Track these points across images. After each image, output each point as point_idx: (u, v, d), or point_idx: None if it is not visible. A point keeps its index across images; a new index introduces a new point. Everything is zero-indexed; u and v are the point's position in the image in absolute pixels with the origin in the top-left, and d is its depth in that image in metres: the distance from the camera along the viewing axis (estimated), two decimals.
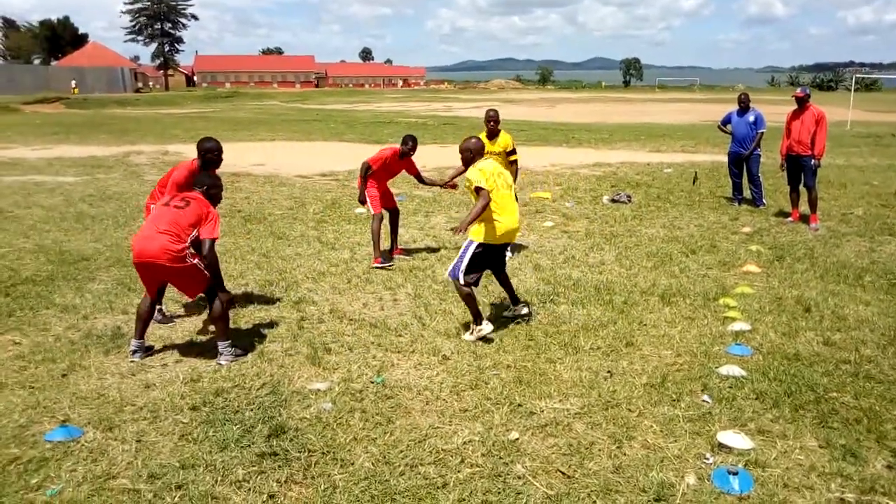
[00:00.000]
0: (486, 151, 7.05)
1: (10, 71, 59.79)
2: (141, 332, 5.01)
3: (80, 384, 4.50)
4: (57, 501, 3.22)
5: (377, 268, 7.25)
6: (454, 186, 7.88)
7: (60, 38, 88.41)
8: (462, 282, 5.27)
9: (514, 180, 7.05)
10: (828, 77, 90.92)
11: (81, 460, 3.58)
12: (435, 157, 16.11)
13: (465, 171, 7.40)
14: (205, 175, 5.20)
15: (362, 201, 7.59)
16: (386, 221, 7.76)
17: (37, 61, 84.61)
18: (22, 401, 4.24)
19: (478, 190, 5.20)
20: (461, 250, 5.35)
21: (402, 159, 7.65)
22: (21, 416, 4.03)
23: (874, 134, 23.49)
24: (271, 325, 5.63)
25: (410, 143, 7.58)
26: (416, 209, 10.47)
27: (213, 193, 5.11)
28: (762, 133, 10.29)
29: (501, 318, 5.74)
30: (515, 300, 5.81)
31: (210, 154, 5.54)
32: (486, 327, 5.28)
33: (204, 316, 5.80)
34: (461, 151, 5.56)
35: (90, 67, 63.99)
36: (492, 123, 7.56)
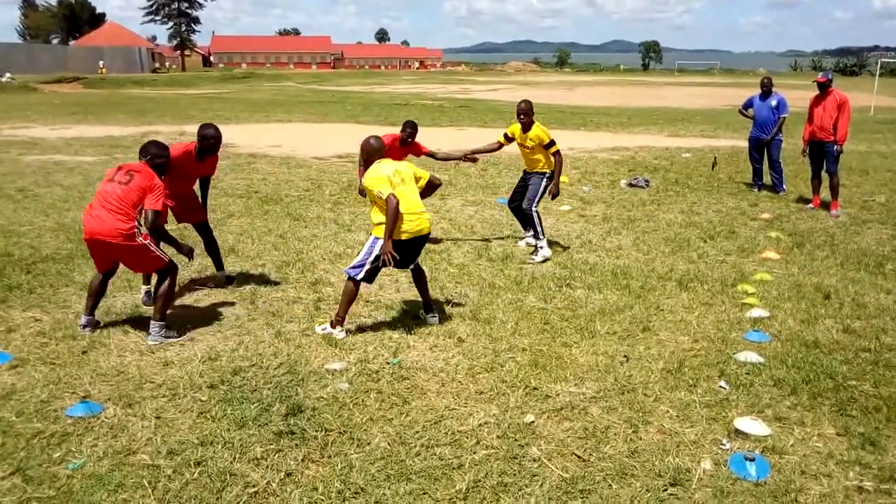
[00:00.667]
0: (519, 146, 7.18)
1: (29, 50, 60.04)
2: (91, 309, 5.05)
3: (100, 361, 4.55)
4: (79, 475, 3.28)
5: None
6: (475, 160, 7.72)
7: (79, 17, 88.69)
8: (359, 278, 4.99)
9: (559, 172, 7.10)
10: (851, 62, 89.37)
11: (102, 436, 3.63)
12: (452, 140, 16.05)
13: (492, 149, 7.57)
14: (150, 143, 5.13)
15: (363, 191, 7.00)
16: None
17: (55, 41, 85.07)
18: (43, 377, 4.30)
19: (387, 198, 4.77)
20: (365, 248, 5.03)
21: (403, 146, 7.32)
22: (43, 392, 4.09)
23: None
24: (288, 305, 5.66)
25: (409, 129, 7.28)
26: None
27: (159, 164, 5.03)
28: (784, 118, 10.14)
29: (517, 301, 5.73)
30: (428, 306, 5.34)
31: (206, 141, 5.60)
32: (340, 334, 4.99)
33: (214, 296, 5.85)
34: (362, 151, 5.27)
35: (108, 47, 64.16)
36: (522, 116, 7.06)
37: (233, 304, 5.70)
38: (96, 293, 5.08)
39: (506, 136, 7.34)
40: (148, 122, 20.31)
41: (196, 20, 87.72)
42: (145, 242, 4.81)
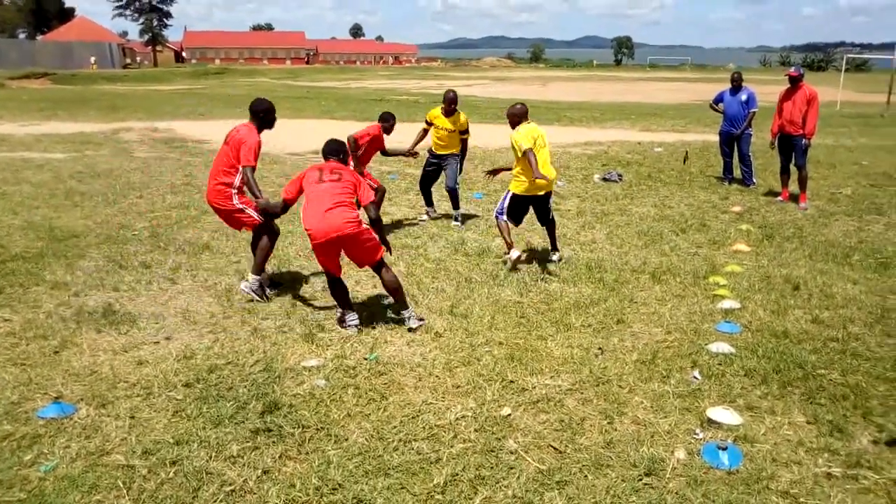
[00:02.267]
0: (443, 129, 8.15)
1: None
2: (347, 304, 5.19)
3: (72, 361, 4.49)
4: (51, 477, 3.24)
5: None
6: (415, 155, 8.40)
7: (46, 12, 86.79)
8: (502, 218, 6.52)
9: (464, 156, 8.40)
10: (819, 57, 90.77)
11: (75, 437, 3.59)
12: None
13: (422, 137, 8.44)
14: (332, 141, 5.42)
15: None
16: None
17: (22, 35, 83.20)
18: (14, 378, 4.23)
19: (525, 152, 6.14)
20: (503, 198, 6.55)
21: (387, 135, 7.86)
22: (13, 393, 4.02)
23: (863, 114, 23.56)
24: (264, 302, 5.62)
25: (392, 121, 7.84)
26: (407, 187, 10.44)
27: (344, 159, 5.40)
28: (754, 112, 10.29)
29: (493, 295, 5.76)
30: (554, 246, 6.82)
31: (269, 115, 5.97)
32: (514, 253, 6.38)
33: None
34: (509, 116, 6.57)
35: (77, 42, 62.98)
36: (451, 105, 8.09)
37: (208, 301, 5.65)
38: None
39: (427, 122, 8.30)
40: (120, 119, 19.98)
41: (168, 15, 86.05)
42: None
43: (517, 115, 6.49)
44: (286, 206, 5.32)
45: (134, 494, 3.12)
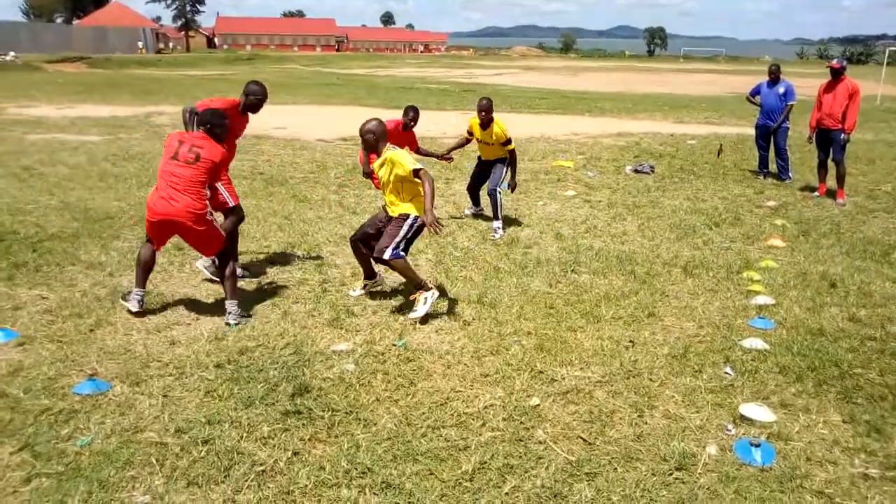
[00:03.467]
0: (482, 141, 7.59)
1: (33, 29, 59.80)
2: (143, 281, 5.04)
3: (106, 339, 4.57)
4: (87, 452, 3.29)
5: None
6: (450, 159, 7.96)
7: None
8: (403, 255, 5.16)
9: (515, 170, 7.66)
10: (858, 50, 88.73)
11: (109, 413, 3.65)
12: (457, 125, 15.97)
13: (462, 144, 7.91)
14: (207, 112, 4.99)
15: (368, 175, 6.78)
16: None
17: (59, 20, 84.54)
18: (51, 354, 4.31)
19: (416, 172, 4.99)
20: (402, 228, 5.13)
21: (404, 131, 7.13)
22: (50, 369, 4.10)
23: None
24: (294, 286, 5.66)
25: (412, 114, 7.18)
26: (436, 176, 10.40)
27: (218, 133, 4.96)
28: (792, 105, 10.07)
29: (522, 285, 5.73)
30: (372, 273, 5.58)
31: (253, 97, 5.65)
32: (433, 294, 5.08)
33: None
34: (362, 134, 5.28)
35: (112, 27, 63.86)
36: (483, 114, 7.30)
37: (240, 283, 5.68)
38: (146, 265, 5.02)
39: (468, 132, 7.76)
40: (153, 103, 20.24)
41: (201, 1, 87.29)
42: (212, 220, 4.91)
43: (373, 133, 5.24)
44: None
45: (167, 471, 3.16)
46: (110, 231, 7.06)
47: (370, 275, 5.56)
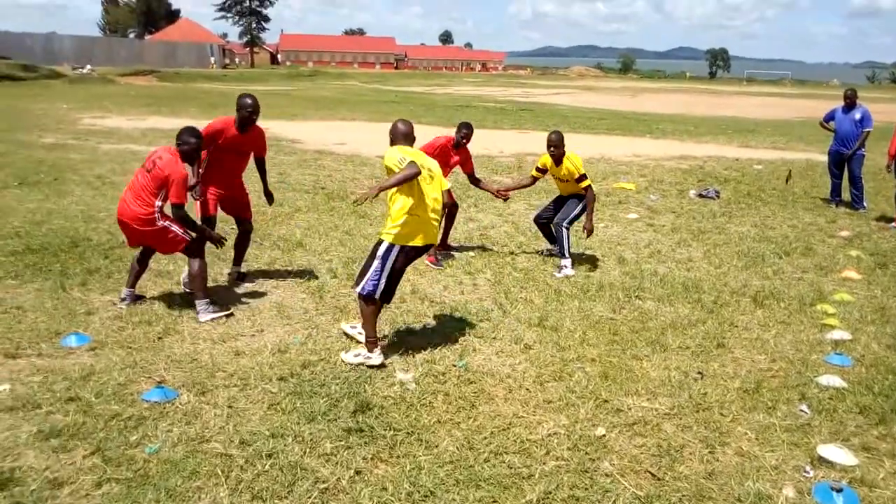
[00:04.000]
0: (555, 177, 6.93)
1: (108, 44, 62.57)
2: (132, 283, 5.42)
3: (174, 347, 4.66)
4: (155, 460, 3.34)
5: (431, 266, 6.70)
6: (507, 197, 7.37)
7: (155, 13, 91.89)
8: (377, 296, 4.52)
9: (591, 210, 6.77)
10: None
11: (176, 422, 3.70)
12: (514, 143, 15.94)
13: (526, 184, 7.48)
14: (183, 129, 5.26)
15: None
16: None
17: (131, 35, 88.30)
18: (121, 360, 4.42)
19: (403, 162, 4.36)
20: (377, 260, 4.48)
21: (455, 149, 6.89)
22: (120, 375, 4.20)
23: None
24: (355, 301, 5.65)
25: (465, 131, 6.84)
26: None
27: (185, 150, 5.17)
28: (868, 132, 9.70)
29: (584, 310, 5.62)
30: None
31: (243, 110, 5.62)
32: (378, 358, 4.46)
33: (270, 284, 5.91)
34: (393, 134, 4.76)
35: (182, 42, 66.31)
36: (552, 149, 6.68)
37: (301, 297, 5.76)
38: (136, 270, 5.40)
39: (538, 168, 7.09)
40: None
41: (266, 18, 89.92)
42: (164, 224, 5.10)
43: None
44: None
45: (231, 483, 3.18)
46: None
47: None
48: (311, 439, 3.55)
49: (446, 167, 6.75)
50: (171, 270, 6.23)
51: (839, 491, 3.23)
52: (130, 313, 5.20)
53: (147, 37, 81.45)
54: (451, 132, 7.06)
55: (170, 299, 5.54)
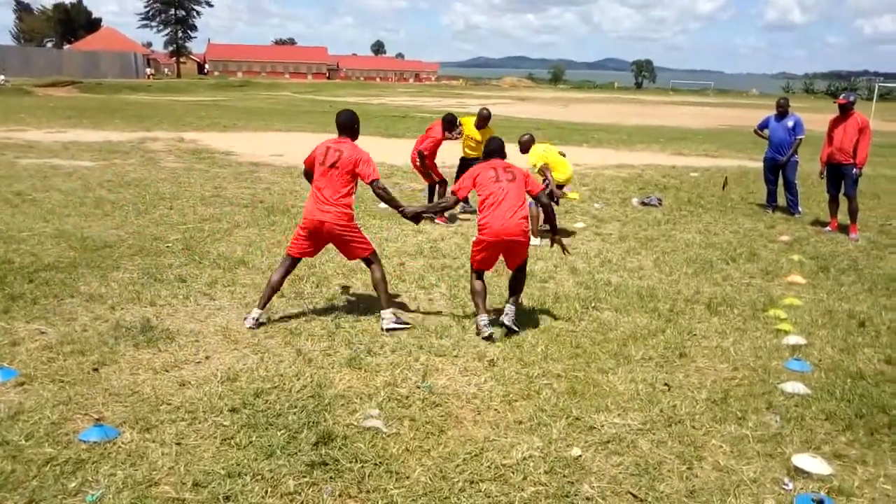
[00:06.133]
0: (472, 138, 9.44)
1: (23, 53, 59.64)
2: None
3: (112, 379, 4.28)
4: None
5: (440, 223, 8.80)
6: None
7: (74, 21, 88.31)
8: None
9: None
10: (843, 85, 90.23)
11: (120, 463, 3.36)
12: (455, 154, 15.82)
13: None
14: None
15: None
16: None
17: (49, 44, 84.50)
18: (53, 395, 4.02)
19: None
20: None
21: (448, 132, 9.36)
22: (53, 413, 3.81)
23: None
24: (306, 322, 5.40)
25: (453, 119, 9.49)
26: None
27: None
28: (801, 139, 10.02)
29: (544, 322, 5.51)
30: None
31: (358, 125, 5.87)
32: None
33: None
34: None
35: (103, 52, 63.82)
36: (484, 122, 9.49)
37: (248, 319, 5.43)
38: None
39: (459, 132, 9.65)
40: (146, 128, 20.02)
41: (192, 27, 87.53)
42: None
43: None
44: (457, 200, 5.71)
45: None
46: (110, 261, 6.78)
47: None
48: (272, 477, 3.28)
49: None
50: (104, 294, 5.80)
51: (820, 502, 3.18)
52: (61, 342, 4.77)
53: (66, 46, 78.12)
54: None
55: (104, 325, 5.13)
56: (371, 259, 5.42)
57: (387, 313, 5.31)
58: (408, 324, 5.36)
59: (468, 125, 9.55)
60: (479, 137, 9.23)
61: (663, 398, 4.27)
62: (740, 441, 3.80)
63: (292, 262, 5.45)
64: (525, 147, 8.55)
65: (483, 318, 5.17)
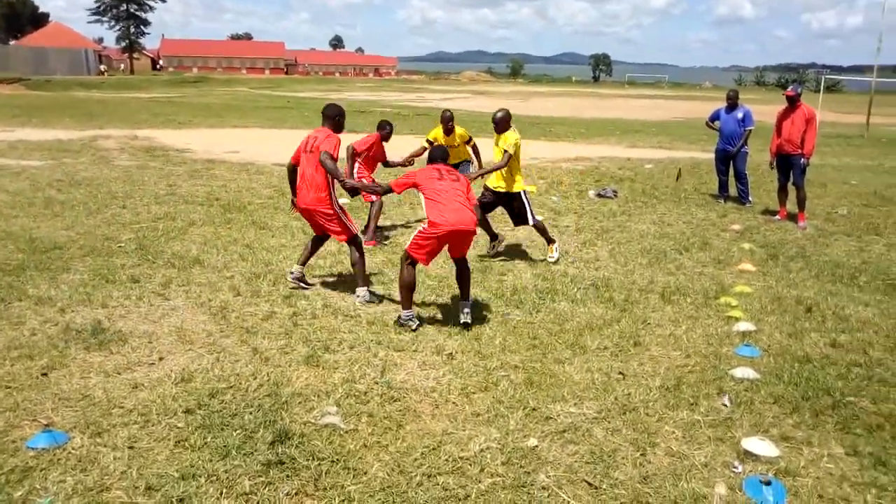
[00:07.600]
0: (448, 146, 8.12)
1: None
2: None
3: (61, 384, 4.18)
4: None
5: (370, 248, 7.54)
6: (411, 163, 8.32)
7: (20, 16, 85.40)
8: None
9: (478, 157, 8.77)
10: (792, 78, 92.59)
11: (70, 469, 3.29)
12: (413, 148, 15.78)
13: (419, 154, 8.52)
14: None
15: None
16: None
17: None
18: None
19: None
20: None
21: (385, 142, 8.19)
22: None
23: (843, 134, 23.86)
24: (263, 320, 5.35)
25: (389, 128, 8.10)
26: (400, 200, 10.21)
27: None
28: (750, 130, 10.27)
29: (502, 315, 5.56)
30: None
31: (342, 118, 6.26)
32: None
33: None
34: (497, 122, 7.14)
35: (52, 48, 61.85)
36: (449, 124, 8.40)
37: (203, 319, 5.36)
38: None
39: (428, 141, 8.45)
40: (97, 126, 19.50)
41: (145, 22, 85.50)
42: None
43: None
44: (390, 189, 5.69)
45: None
46: (59, 262, 6.60)
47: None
48: (227, 478, 3.25)
49: (375, 162, 8.14)
50: (53, 296, 5.65)
51: (768, 484, 3.28)
52: (8, 347, 4.64)
53: (12, 42, 75.56)
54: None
55: (53, 329, 5.00)
56: (350, 243, 5.94)
57: (361, 290, 5.84)
58: (382, 296, 5.90)
59: (438, 136, 8.55)
60: (453, 143, 8.45)
61: (618, 387, 4.35)
62: (692, 426, 3.89)
63: (317, 239, 6.23)
64: (504, 124, 7.28)
65: (408, 313, 5.27)
